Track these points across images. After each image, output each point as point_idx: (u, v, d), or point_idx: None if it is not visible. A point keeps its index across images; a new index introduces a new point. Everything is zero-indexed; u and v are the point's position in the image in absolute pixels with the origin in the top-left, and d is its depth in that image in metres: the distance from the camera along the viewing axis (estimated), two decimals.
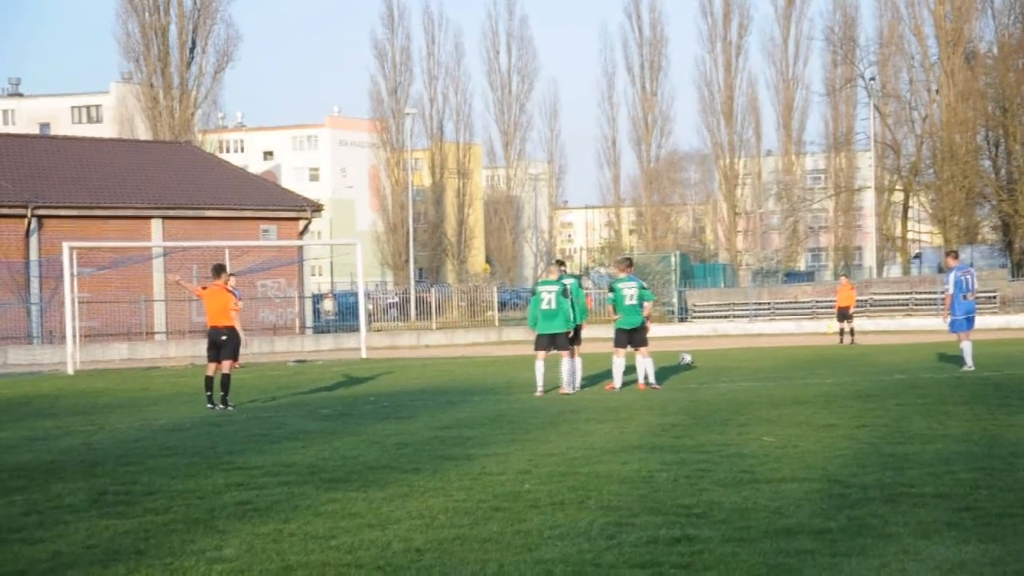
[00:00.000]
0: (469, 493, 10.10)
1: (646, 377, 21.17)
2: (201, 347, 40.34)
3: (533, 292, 21.37)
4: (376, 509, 9.50)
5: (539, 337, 20.66)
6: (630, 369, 21.51)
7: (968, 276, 24.30)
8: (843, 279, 42.38)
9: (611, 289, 21.71)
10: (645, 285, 22.00)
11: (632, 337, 21.19)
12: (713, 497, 9.59)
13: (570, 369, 20.78)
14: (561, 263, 22.80)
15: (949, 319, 24.37)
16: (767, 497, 9.51)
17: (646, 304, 21.42)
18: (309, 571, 7.53)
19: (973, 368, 23.25)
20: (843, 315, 38.18)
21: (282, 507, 9.72)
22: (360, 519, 9.11)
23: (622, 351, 21.23)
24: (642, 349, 21.26)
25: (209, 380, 19.94)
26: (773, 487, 9.97)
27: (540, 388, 20.51)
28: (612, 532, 8.37)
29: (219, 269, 20.69)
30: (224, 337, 19.99)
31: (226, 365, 19.92)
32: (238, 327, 20.25)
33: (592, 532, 8.39)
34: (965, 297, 23.97)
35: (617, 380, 21.16)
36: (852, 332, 37.75)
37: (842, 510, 8.92)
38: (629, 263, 22.52)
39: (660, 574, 7.24)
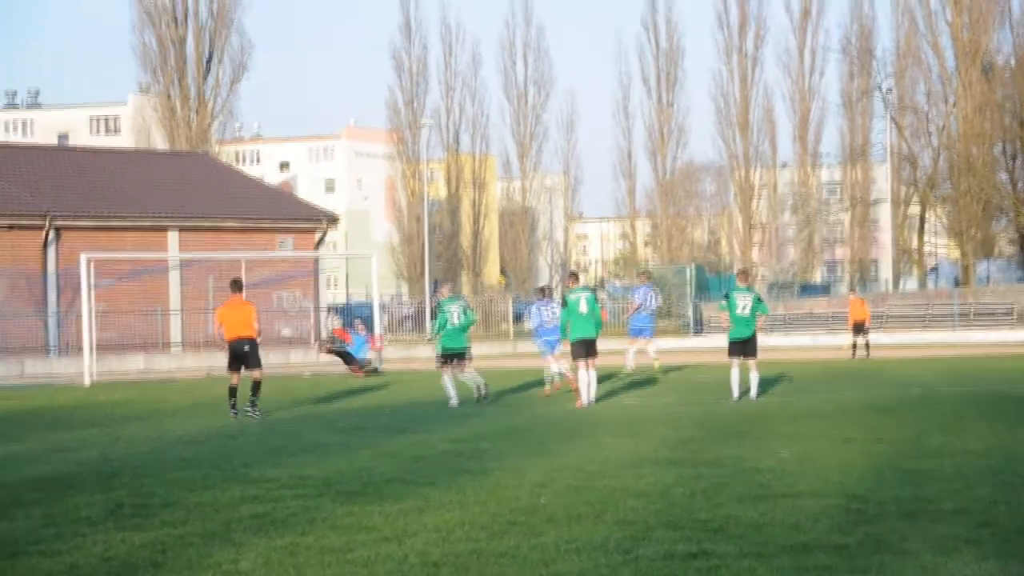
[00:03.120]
0: (485, 507, 10.09)
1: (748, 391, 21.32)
2: (218, 358, 40.45)
3: (439, 308, 22.44)
4: (392, 522, 9.50)
5: (446, 354, 21.81)
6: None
7: (652, 294, 28.19)
8: (852, 295, 42.36)
9: (725, 297, 21.93)
10: (762, 298, 22.32)
11: (745, 348, 21.38)
12: (730, 512, 9.56)
13: (473, 378, 21.91)
14: (575, 275, 22.92)
15: (630, 326, 28.63)
16: (784, 512, 9.48)
17: (760, 316, 21.70)
18: None
19: (631, 371, 27.03)
20: (858, 329, 38.18)
21: (298, 520, 9.73)
22: (376, 532, 9.11)
23: (736, 361, 21.44)
24: (751, 362, 21.41)
25: (233, 389, 20.26)
26: (790, 502, 9.94)
27: (454, 399, 21.35)
28: (628, 546, 8.36)
29: (237, 284, 21.11)
30: (247, 348, 20.37)
31: (256, 373, 20.36)
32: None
33: (608, 546, 8.38)
34: (645, 311, 27.80)
35: (735, 389, 21.25)
36: (867, 346, 37.71)
37: (859, 526, 8.89)
38: (745, 275, 23.16)
39: None
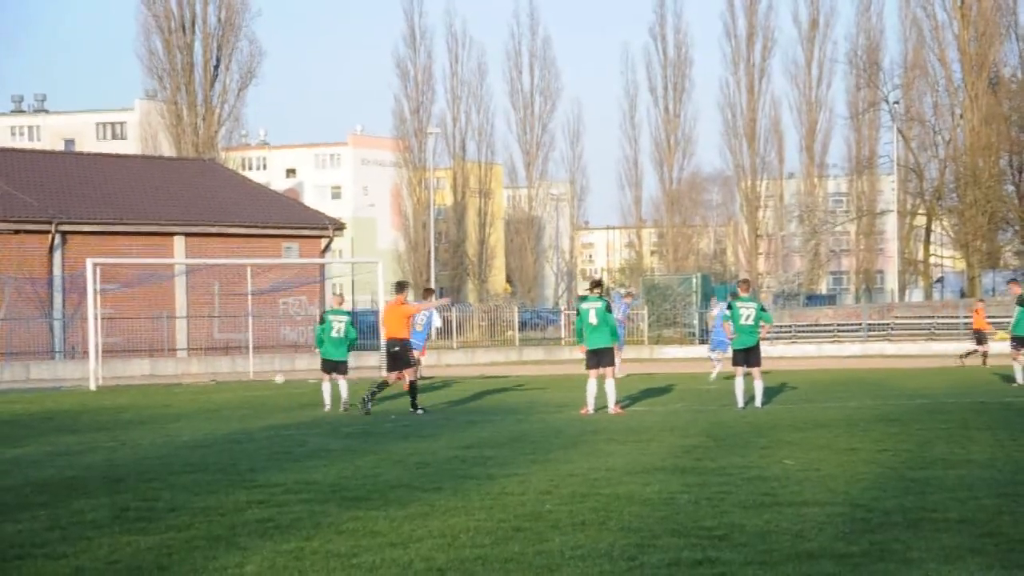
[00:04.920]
0: (490, 513, 10.10)
1: (753, 398, 21.51)
2: (220, 363, 40.54)
3: (322, 320, 23.63)
4: (397, 528, 9.51)
5: (325, 362, 23.13)
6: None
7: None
8: (980, 302, 42.32)
9: (728, 307, 22.05)
10: (764, 307, 22.57)
11: (748, 357, 21.55)
12: (735, 520, 9.57)
13: (344, 390, 22.76)
14: (598, 284, 22.48)
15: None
16: (789, 520, 9.49)
17: (764, 325, 21.84)
18: None
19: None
20: (980, 337, 37.91)
21: (304, 525, 9.74)
22: (382, 538, 9.13)
23: (740, 370, 21.59)
24: (755, 370, 21.58)
25: (382, 385, 21.89)
26: (795, 510, 9.94)
27: (328, 405, 22.62)
28: (633, 554, 8.37)
29: (398, 286, 22.44)
30: (396, 348, 21.45)
31: (408, 373, 21.46)
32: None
33: (613, 553, 8.39)
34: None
35: (740, 398, 21.40)
36: (968, 354, 37.10)
37: (864, 534, 8.90)
38: (747, 284, 23.35)
39: None
